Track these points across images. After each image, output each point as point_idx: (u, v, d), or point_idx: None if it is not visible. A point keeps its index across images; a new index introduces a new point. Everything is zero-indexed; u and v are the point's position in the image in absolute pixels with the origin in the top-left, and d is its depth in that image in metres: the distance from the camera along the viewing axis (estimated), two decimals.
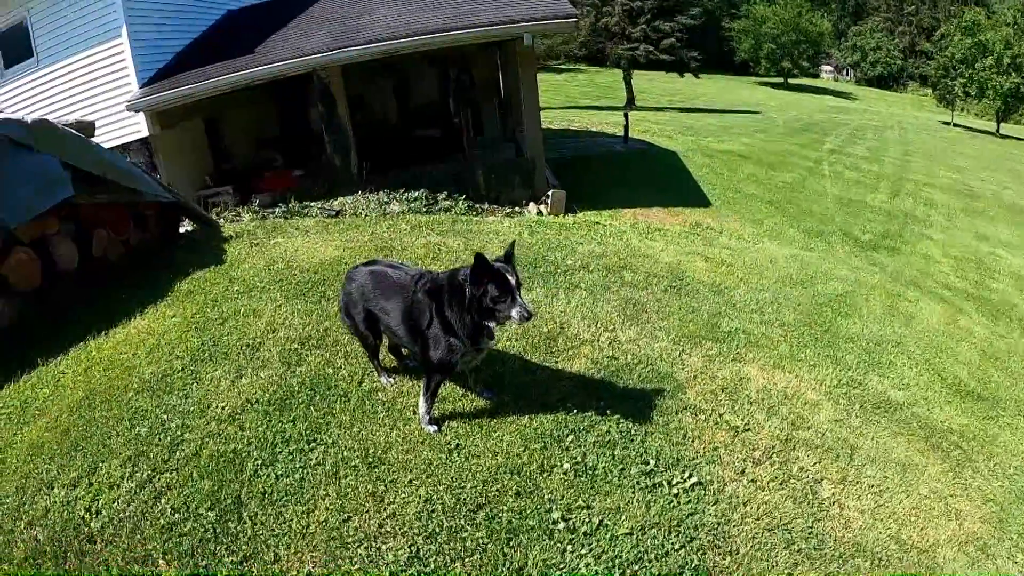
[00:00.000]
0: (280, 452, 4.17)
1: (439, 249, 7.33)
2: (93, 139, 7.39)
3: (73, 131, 6.88)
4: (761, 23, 55.00)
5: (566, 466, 4.08)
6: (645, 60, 34.27)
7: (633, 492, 3.97)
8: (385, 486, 3.88)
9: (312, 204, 10.88)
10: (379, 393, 4.65)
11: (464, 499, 3.78)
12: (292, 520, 3.70)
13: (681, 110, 32.45)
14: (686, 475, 4.16)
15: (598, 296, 6.51)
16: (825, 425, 4.97)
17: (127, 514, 3.76)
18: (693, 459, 4.32)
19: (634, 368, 5.25)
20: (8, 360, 5.56)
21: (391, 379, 4.79)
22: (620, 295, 6.63)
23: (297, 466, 4.06)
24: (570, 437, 4.32)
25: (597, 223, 10.03)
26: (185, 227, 8.73)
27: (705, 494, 4.05)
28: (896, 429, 5.20)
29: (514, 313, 3.73)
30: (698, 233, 10.75)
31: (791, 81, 57.46)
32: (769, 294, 7.47)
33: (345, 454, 4.12)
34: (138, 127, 11.92)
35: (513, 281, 3.75)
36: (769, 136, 24.90)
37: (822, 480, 4.37)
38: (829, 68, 73.23)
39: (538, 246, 7.76)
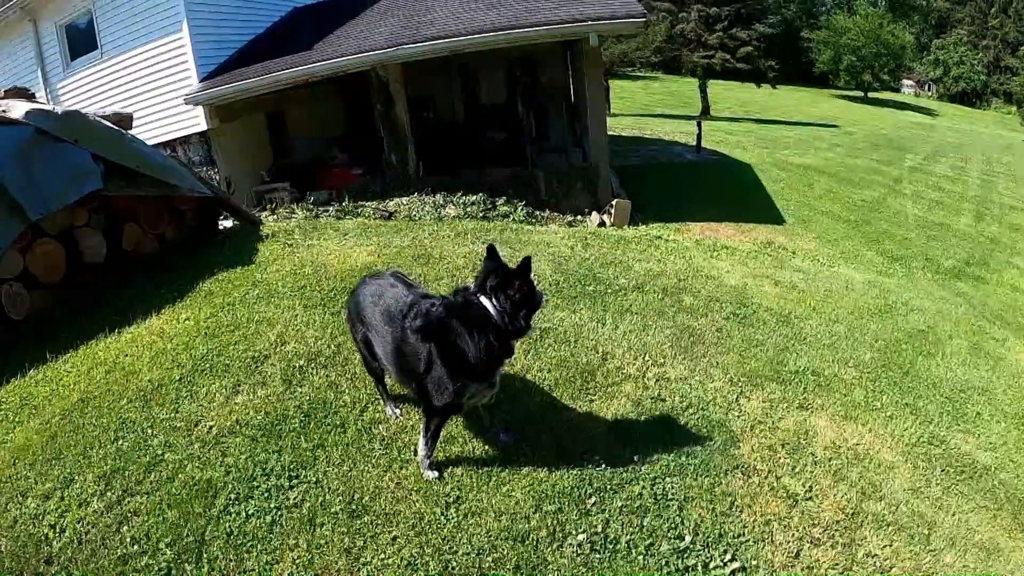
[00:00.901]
0: (257, 487, 3.67)
1: (480, 260, 6.67)
2: (130, 131, 7.21)
3: (107, 123, 6.71)
4: (841, 34, 52.57)
5: (581, 537, 3.39)
6: (721, 69, 33.10)
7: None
8: (364, 541, 3.29)
9: (367, 204, 10.48)
10: (381, 426, 4.08)
11: (453, 568, 3.16)
12: (253, 571, 3.20)
13: (757, 121, 30.96)
14: (727, 557, 3.42)
15: (650, 323, 5.77)
16: (900, 495, 4.13)
17: (88, 537, 3.45)
18: (739, 536, 3.56)
19: (682, 413, 4.52)
20: (23, 352, 5.39)
21: (398, 410, 4.20)
22: (675, 322, 5.87)
23: (272, 506, 3.55)
24: (592, 499, 3.63)
25: (659, 237, 9.22)
26: (226, 223, 8.41)
27: None
28: (980, 501, 4.30)
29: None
30: (769, 253, 9.80)
31: (871, 95, 54.55)
32: (844, 327, 6.55)
33: (327, 497, 3.56)
34: (197, 121, 11.83)
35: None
36: (848, 151, 23.35)
37: (891, 569, 3.58)
38: (910, 83, 69.36)
39: (591, 262, 7.06)
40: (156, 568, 3.24)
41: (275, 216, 10.14)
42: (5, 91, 6.78)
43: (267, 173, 12.60)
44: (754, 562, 3.42)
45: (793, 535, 3.62)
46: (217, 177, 11.72)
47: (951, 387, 5.79)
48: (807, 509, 3.82)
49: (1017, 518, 4.26)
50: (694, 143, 19.01)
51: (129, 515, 3.56)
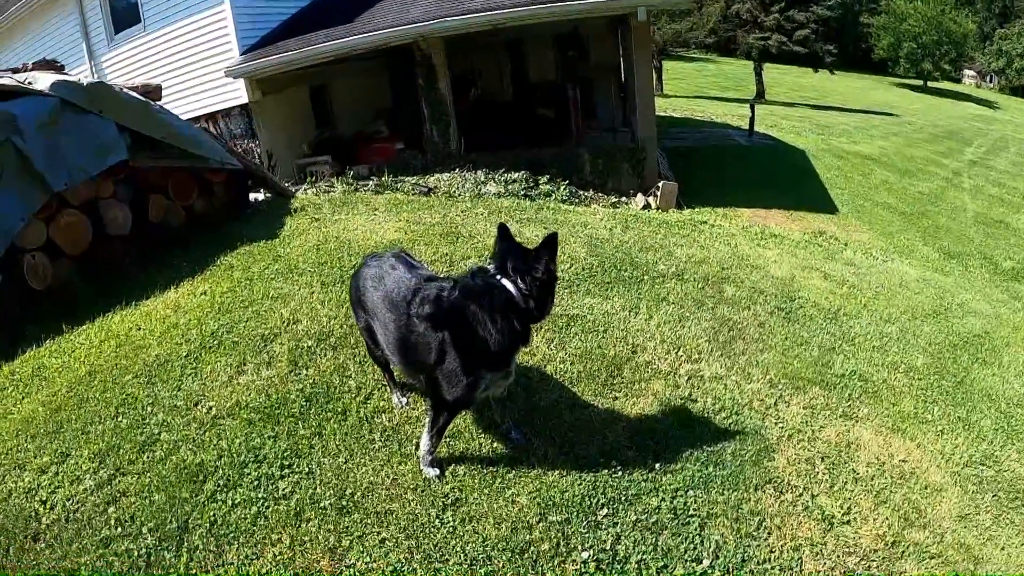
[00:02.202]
0: (247, 475, 3.46)
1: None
2: (159, 102, 7.10)
3: (134, 94, 6.61)
4: (902, 20, 50.30)
5: (586, 554, 3.05)
6: (777, 51, 32.08)
7: None
8: (350, 542, 3.03)
9: (407, 179, 10.27)
10: (384, 415, 3.81)
11: None
12: (232, 564, 3.00)
13: (812, 107, 29.83)
14: None
15: (687, 314, 5.37)
16: (946, 523, 3.67)
17: (76, 516, 3.32)
18: (764, 562, 3.17)
19: (714, 416, 4.13)
20: (42, 323, 5.30)
21: (405, 399, 3.93)
22: (715, 314, 5.46)
23: (259, 496, 3.33)
24: (604, 510, 3.28)
25: (704, 222, 8.73)
26: (258, 195, 8.27)
27: None
28: None
29: None
30: (819, 243, 9.23)
31: (930, 84, 52.25)
32: (896, 327, 6.03)
33: (317, 490, 3.31)
34: (238, 93, 11.74)
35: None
36: (906, 141, 22.35)
37: None
38: (972, 73, 66.03)
39: (629, 245, 6.66)
40: (136, 553, 3.08)
41: (315, 189, 10.00)
42: (33, 63, 6.73)
43: (309, 146, 12.50)
44: None
45: (825, 564, 3.23)
46: (258, 150, 11.65)
47: (1007, 400, 5.25)
48: (843, 534, 3.42)
49: None
50: (747, 127, 18.40)
51: (118, 495, 3.41)
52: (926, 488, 3.91)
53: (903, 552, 3.40)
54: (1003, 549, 3.62)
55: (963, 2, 59.29)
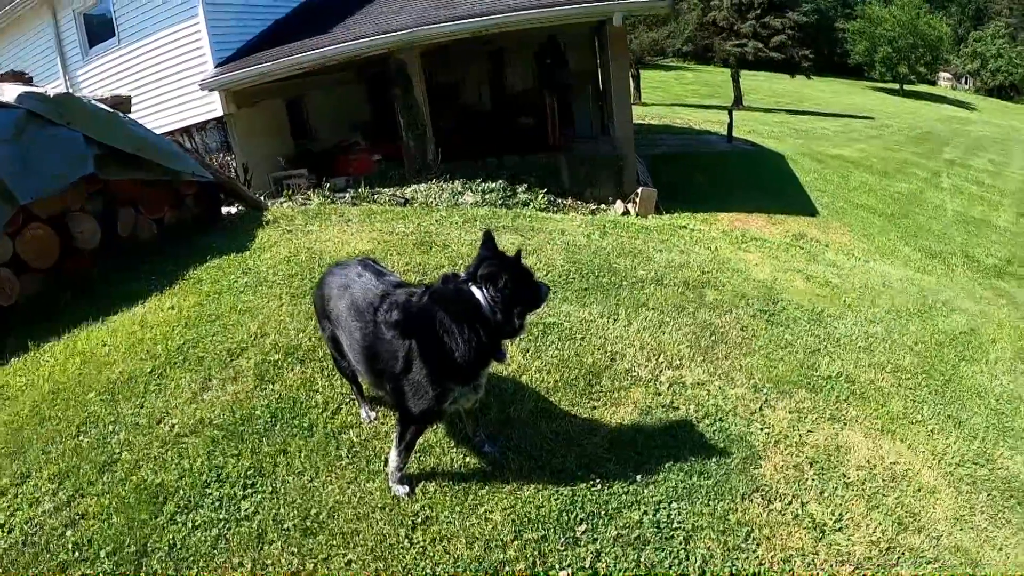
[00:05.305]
0: (209, 495, 3.30)
1: None
2: (129, 114, 6.97)
3: (103, 106, 6.47)
4: (877, 24, 51.11)
5: (564, 573, 2.91)
6: (754, 58, 32.39)
7: None
8: (315, 565, 2.88)
9: (384, 191, 10.16)
10: (352, 431, 3.67)
11: None
12: None
13: (791, 112, 30.13)
14: None
15: (668, 319, 5.26)
16: (942, 525, 3.58)
17: (34, 539, 3.19)
18: (753, 575, 3.05)
19: (696, 424, 4.01)
20: (9, 339, 5.17)
21: (373, 413, 3.78)
22: (696, 319, 5.35)
23: (221, 517, 3.18)
24: (583, 526, 3.15)
25: (684, 227, 8.65)
26: (231, 208, 8.10)
27: None
28: None
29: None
30: (801, 246, 9.18)
31: (907, 87, 53.06)
32: (881, 327, 5.96)
33: (281, 510, 3.16)
34: (213, 106, 11.61)
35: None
36: (884, 143, 22.57)
37: None
38: (947, 75, 67.16)
39: (607, 251, 6.55)
40: None
41: (291, 202, 9.83)
42: (1, 75, 6.56)
43: (286, 159, 12.36)
44: None
45: (817, 574, 3.11)
46: (234, 163, 11.48)
47: (997, 396, 5.19)
48: (835, 542, 3.31)
49: None
50: (725, 133, 18.50)
51: (77, 518, 3.27)
52: (919, 490, 3.82)
53: (898, 558, 3.31)
54: (1000, 550, 3.55)
55: (937, 6, 60.32)
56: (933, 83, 62.31)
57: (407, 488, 3.24)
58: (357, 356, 3.23)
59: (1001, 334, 6.63)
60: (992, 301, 8.62)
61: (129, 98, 7.38)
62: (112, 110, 6.53)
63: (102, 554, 3.04)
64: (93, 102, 6.46)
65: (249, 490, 3.30)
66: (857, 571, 3.17)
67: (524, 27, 10.31)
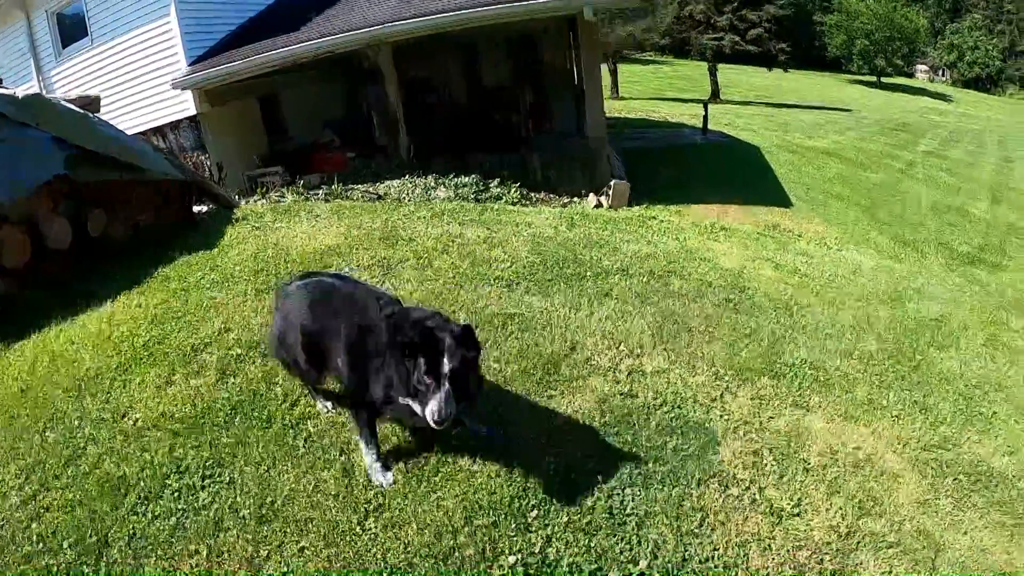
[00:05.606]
0: (169, 486, 3.38)
1: (454, 241, 6.34)
2: (98, 114, 6.98)
3: (72, 106, 6.48)
4: (854, 17, 51.61)
5: (513, 558, 2.95)
6: (731, 51, 32.69)
7: None
8: (269, 551, 2.95)
9: (357, 187, 10.19)
10: (310, 422, 3.72)
11: None
12: None
13: (768, 105, 30.25)
14: None
15: (631, 308, 5.34)
16: (905, 510, 3.59)
17: (0, 533, 3.24)
18: (706, 560, 3.08)
19: (654, 412, 4.06)
20: None
21: (329, 403, 3.84)
22: (660, 308, 5.43)
23: (179, 507, 3.25)
24: (535, 512, 3.19)
25: (653, 218, 8.72)
26: (202, 207, 8.12)
27: None
28: (996, 516, 3.75)
29: (428, 410, 2.79)
30: (772, 235, 9.27)
31: (884, 80, 53.67)
32: (849, 315, 6.03)
33: (238, 499, 3.22)
34: (186, 105, 11.55)
35: (446, 362, 2.78)
36: (861, 135, 22.73)
37: None
38: (924, 68, 68.10)
39: (573, 242, 6.63)
40: (56, 568, 3.01)
41: (266, 200, 9.85)
42: None
43: (260, 158, 12.33)
44: None
45: (774, 560, 3.14)
46: (208, 162, 11.46)
47: (965, 382, 5.25)
48: (793, 527, 3.33)
49: None
50: (701, 126, 18.52)
51: (42, 511, 3.33)
52: (882, 475, 3.84)
53: (858, 543, 3.31)
54: (966, 534, 3.56)
55: None
56: (911, 75, 63.04)
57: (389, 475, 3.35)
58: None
59: (973, 320, 6.72)
60: (965, 288, 8.71)
61: (98, 98, 7.39)
62: (82, 111, 6.54)
63: (65, 545, 3.10)
64: (63, 103, 6.48)
65: (208, 480, 3.36)
66: (815, 556, 3.19)
67: (495, 21, 10.31)
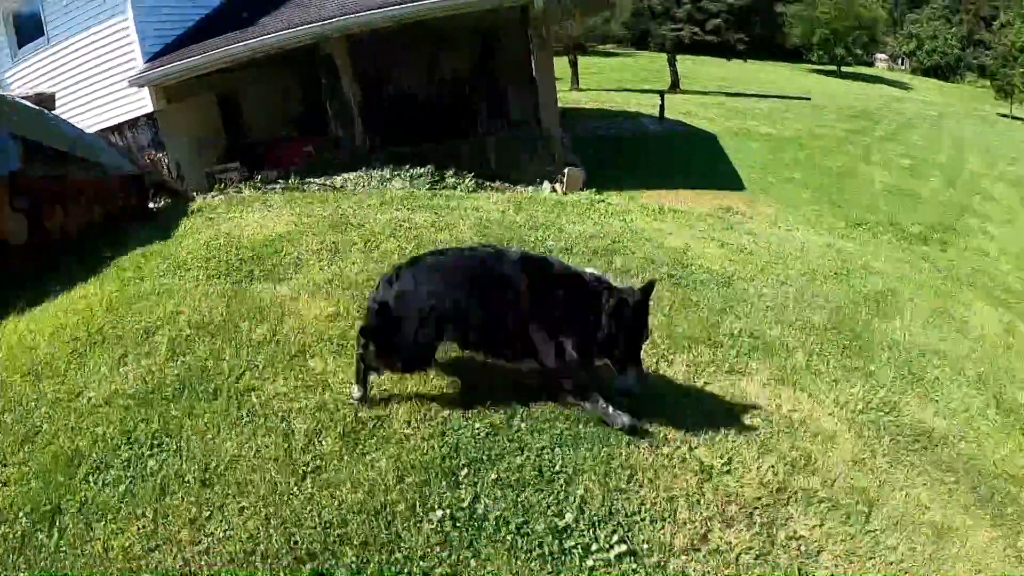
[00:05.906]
0: (120, 456, 3.54)
1: (401, 225, 6.52)
2: (53, 111, 7.07)
3: (28, 103, 6.57)
4: (815, 7, 52.32)
5: (440, 512, 3.11)
6: (690, 41, 33.07)
7: (527, 559, 2.93)
8: (211, 512, 3.13)
9: (314, 180, 10.34)
10: (253, 393, 3.93)
11: (296, 544, 2.95)
12: (99, 540, 3.06)
13: (728, 94, 30.59)
14: (614, 538, 3.04)
15: None
16: (839, 468, 3.71)
17: None
18: (633, 514, 3.18)
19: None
20: None
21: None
22: None
23: (129, 475, 3.41)
24: (465, 470, 3.35)
25: (602, 201, 8.96)
26: (158, 201, 8.24)
27: (636, 571, 2.95)
28: (934, 474, 3.91)
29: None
30: (721, 216, 9.50)
31: (844, 69, 54.32)
32: (793, 288, 6.21)
33: (184, 465, 3.40)
34: (143, 103, 11.63)
35: None
36: (818, 122, 23.17)
37: (819, 553, 3.14)
38: (884, 57, 69.20)
39: (519, 224, 6.84)
40: (12, 537, 3.13)
41: (223, 196, 9.94)
42: None
43: (219, 154, 12.41)
44: (647, 546, 3.03)
45: (701, 514, 3.23)
46: (167, 160, 11.51)
47: (909, 350, 5.44)
48: (722, 484, 3.41)
49: (977, 492, 3.89)
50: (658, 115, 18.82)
51: (0, 486, 3.46)
52: (816, 436, 3.93)
53: (789, 499, 3.40)
54: (901, 490, 3.68)
55: None
56: (870, 64, 63.98)
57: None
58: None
59: (920, 293, 6.91)
60: (914, 265, 8.93)
61: (53, 95, 7.49)
62: (37, 107, 6.63)
63: (20, 515, 3.23)
64: (17, 99, 6.56)
65: (156, 450, 3.53)
66: (744, 510, 3.29)
67: (448, 13, 10.49)
